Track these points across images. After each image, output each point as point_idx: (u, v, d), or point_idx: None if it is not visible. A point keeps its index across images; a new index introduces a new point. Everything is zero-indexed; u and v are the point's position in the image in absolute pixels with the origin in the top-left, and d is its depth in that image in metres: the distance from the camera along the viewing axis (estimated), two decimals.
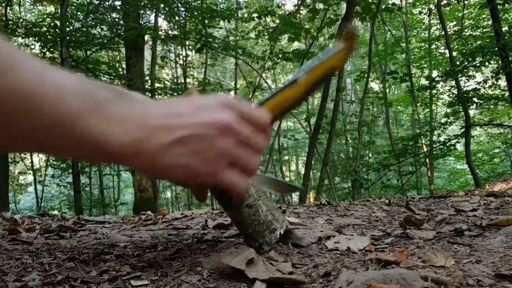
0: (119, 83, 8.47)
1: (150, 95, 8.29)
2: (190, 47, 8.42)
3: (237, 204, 0.73)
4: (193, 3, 6.72)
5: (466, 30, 8.87)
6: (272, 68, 9.71)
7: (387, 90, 12.25)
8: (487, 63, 6.78)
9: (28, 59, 0.39)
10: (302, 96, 0.63)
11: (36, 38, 6.23)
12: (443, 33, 8.12)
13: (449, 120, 8.38)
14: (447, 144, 7.83)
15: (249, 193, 0.74)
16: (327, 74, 0.66)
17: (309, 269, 0.70)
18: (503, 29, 6.32)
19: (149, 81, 8.29)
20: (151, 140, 0.46)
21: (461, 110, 7.63)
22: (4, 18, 6.22)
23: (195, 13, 6.66)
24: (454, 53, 8.14)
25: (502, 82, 7.34)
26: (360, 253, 0.82)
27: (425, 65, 11.76)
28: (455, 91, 7.79)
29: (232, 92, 11.21)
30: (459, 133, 7.53)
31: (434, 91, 9.29)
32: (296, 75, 0.63)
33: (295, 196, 13.46)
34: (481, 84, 7.36)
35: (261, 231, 0.75)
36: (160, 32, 7.31)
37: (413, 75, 10.91)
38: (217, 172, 0.50)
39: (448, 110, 8.59)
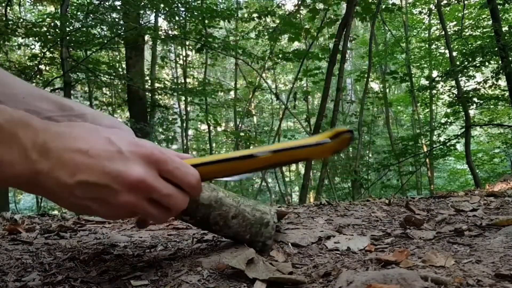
0: (119, 83, 8.48)
1: (150, 95, 8.29)
2: (190, 47, 8.42)
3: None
4: (193, 3, 6.72)
5: (466, 30, 8.87)
6: (272, 68, 9.70)
7: (387, 90, 12.25)
8: (487, 63, 6.78)
9: None
10: (252, 169, 0.58)
11: (36, 38, 6.22)
12: (443, 33, 8.11)
13: (449, 120, 8.37)
14: (447, 144, 7.83)
15: (228, 205, 0.73)
16: (295, 160, 0.61)
17: (309, 269, 0.70)
18: (503, 29, 6.32)
19: (149, 81, 8.29)
20: (52, 175, 0.42)
21: (461, 110, 7.63)
22: (4, 18, 6.21)
23: (195, 13, 6.66)
24: (454, 53, 8.14)
25: (502, 82, 7.34)
26: (360, 253, 0.82)
27: (425, 65, 11.76)
28: (455, 91, 7.78)
29: (232, 92, 11.23)
30: (459, 133, 7.53)
31: (434, 91, 9.29)
32: (258, 151, 0.57)
33: (295, 196, 13.46)
34: (481, 84, 7.36)
35: (257, 230, 0.75)
36: (160, 32, 7.31)
37: (413, 75, 10.90)
38: (120, 217, 0.48)
39: (448, 110, 8.59)
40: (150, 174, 0.47)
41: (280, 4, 8.88)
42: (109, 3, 6.86)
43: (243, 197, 0.75)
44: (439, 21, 8.82)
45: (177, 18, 6.94)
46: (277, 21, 7.20)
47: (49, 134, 0.43)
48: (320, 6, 6.36)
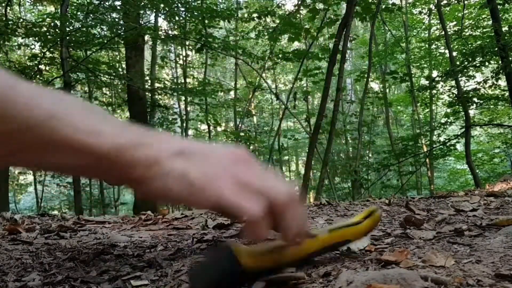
0: (119, 83, 8.47)
1: (150, 95, 8.29)
2: (190, 47, 8.42)
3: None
4: (193, 3, 6.72)
5: (466, 30, 8.87)
6: (272, 68, 9.70)
7: (387, 90, 12.25)
8: (487, 63, 6.78)
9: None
10: (310, 253, 0.64)
11: (36, 38, 6.22)
12: (443, 33, 8.11)
13: (449, 120, 8.37)
14: (447, 144, 7.83)
15: None
16: (344, 241, 0.68)
17: (309, 269, 0.70)
18: (503, 29, 6.32)
19: (149, 81, 8.28)
20: (147, 146, 0.43)
21: (461, 110, 7.63)
22: (4, 18, 6.21)
23: (195, 13, 6.66)
24: (454, 53, 8.14)
25: (502, 82, 7.34)
26: (360, 253, 0.82)
27: (425, 65, 11.76)
28: (455, 91, 7.78)
29: (232, 92, 11.23)
30: (459, 133, 7.53)
31: (434, 91, 9.29)
32: (318, 231, 0.64)
33: None
34: (481, 84, 7.36)
35: None
36: (160, 32, 7.31)
37: (413, 75, 10.90)
38: (218, 189, 0.44)
39: (448, 110, 8.59)
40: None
41: (280, 4, 8.88)
42: (109, 3, 6.86)
43: None
44: (439, 21, 8.82)
45: (177, 18, 6.94)
46: (277, 21, 7.20)
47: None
48: (320, 6, 6.36)
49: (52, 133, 0.38)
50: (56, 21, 6.08)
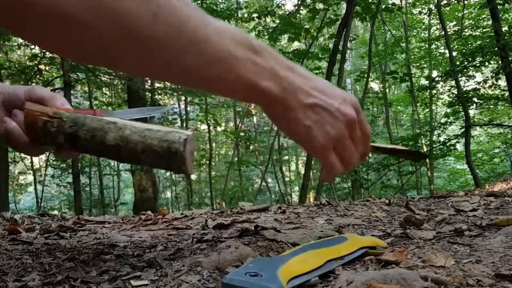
0: (119, 83, 8.48)
1: (150, 95, 8.29)
2: None
3: None
4: (193, 3, 6.72)
5: (466, 30, 8.87)
6: None
7: (387, 90, 12.25)
8: (487, 63, 6.78)
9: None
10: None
11: None
12: (443, 33, 8.12)
13: (449, 120, 8.37)
14: (447, 144, 7.83)
15: (134, 142, 0.66)
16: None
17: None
18: (503, 29, 6.32)
19: (149, 81, 8.28)
20: (295, 95, 0.55)
21: (461, 110, 7.63)
22: None
23: None
24: (454, 53, 8.14)
25: (502, 82, 7.34)
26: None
27: (425, 65, 11.76)
28: (455, 91, 7.78)
29: None
30: (459, 133, 7.53)
31: (434, 91, 9.29)
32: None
33: (295, 196, 13.46)
34: (481, 84, 7.36)
35: (168, 160, 0.66)
36: None
37: (413, 75, 10.90)
38: (328, 147, 0.58)
39: (448, 110, 8.59)
40: (357, 118, 0.61)
41: (280, 4, 8.88)
42: None
43: (151, 129, 0.71)
44: (439, 21, 8.82)
45: None
46: (277, 21, 7.21)
47: (286, 68, 0.56)
48: (320, 6, 6.36)
49: (228, 70, 0.49)
50: None
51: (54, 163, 9.96)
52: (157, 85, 8.12)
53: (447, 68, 8.47)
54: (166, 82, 8.54)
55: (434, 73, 11.10)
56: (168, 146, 0.66)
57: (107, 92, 9.61)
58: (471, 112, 8.63)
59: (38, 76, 7.20)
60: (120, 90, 9.02)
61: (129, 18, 0.41)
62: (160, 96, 8.87)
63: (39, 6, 0.37)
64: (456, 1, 8.42)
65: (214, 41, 0.49)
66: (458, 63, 7.22)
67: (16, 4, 0.37)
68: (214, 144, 12.53)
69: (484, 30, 8.59)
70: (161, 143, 0.66)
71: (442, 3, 8.21)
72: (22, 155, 10.18)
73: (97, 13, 0.39)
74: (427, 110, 12.08)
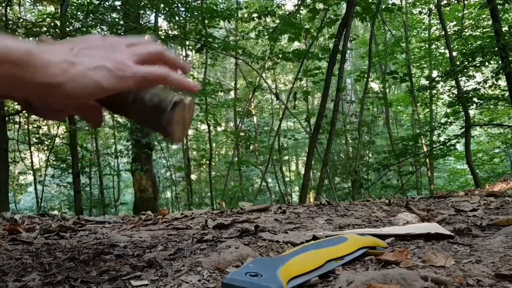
0: None
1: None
2: (190, 47, 8.42)
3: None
4: (193, 3, 6.72)
5: (466, 30, 8.87)
6: (272, 68, 9.71)
7: (387, 90, 12.25)
8: (487, 63, 6.78)
9: None
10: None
11: (36, 38, 6.21)
12: (443, 33, 8.11)
13: (449, 120, 8.37)
14: (447, 144, 7.83)
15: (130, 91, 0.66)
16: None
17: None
18: (503, 29, 6.32)
19: None
20: (52, 49, 0.48)
21: (461, 110, 7.63)
22: (4, 18, 6.21)
23: (195, 13, 6.65)
24: (454, 53, 8.13)
25: (502, 82, 7.34)
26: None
27: (425, 65, 11.75)
28: (455, 91, 7.78)
29: (232, 92, 11.23)
30: (459, 133, 7.53)
31: (434, 91, 9.28)
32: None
33: (295, 196, 13.46)
34: (481, 84, 7.36)
35: (155, 116, 0.66)
36: (160, 32, 7.31)
37: (413, 75, 10.90)
38: (132, 65, 0.52)
39: (448, 110, 8.59)
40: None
41: (280, 4, 8.88)
42: (109, 3, 6.86)
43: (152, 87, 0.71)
44: (439, 21, 8.82)
45: (177, 18, 6.94)
46: (277, 21, 7.21)
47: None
48: (320, 6, 6.36)
49: None
50: (56, 21, 6.08)
51: (54, 163, 9.96)
52: None
53: (447, 68, 8.46)
54: None
55: (434, 73, 11.10)
56: (158, 102, 0.66)
57: None
58: (471, 112, 8.63)
59: None
60: None
61: None
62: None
63: None
64: (456, 1, 8.42)
65: None
66: (458, 63, 7.22)
67: None
68: (214, 144, 12.53)
69: (484, 30, 8.59)
70: (152, 98, 0.66)
71: (442, 3, 8.21)
72: (22, 155, 10.18)
73: None
74: (427, 110, 12.07)
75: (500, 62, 6.26)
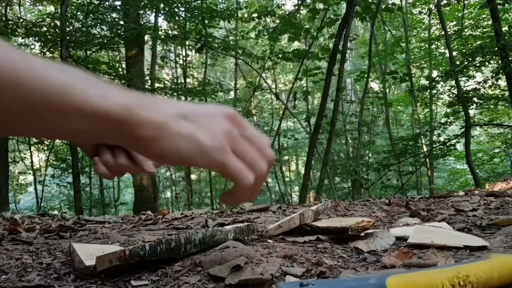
0: (119, 83, 8.47)
1: (150, 95, 8.29)
2: (190, 47, 8.41)
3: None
4: (193, 3, 6.71)
5: (466, 30, 8.86)
6: (272, 68, 9.70)
7: (387, 90, 12.24)
8: (487, 63, 6.77)
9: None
10: None
11: (36, 38, 6.22)
12: (443, 33, 8.11)
13: (449, 120, 8.37)
14: (447, 144, 7.82)
15: None
16: None
17: (308, 268, 0.70)
18: (503, 29, 6.31)
19: (149, 81, 8.28)
20: (152, 107, 0.45)
21: (461, 110, 7.63)
22: (4, 18, 6.21)
23: (195, 13, 6.65)
24: (454, 53, 8.13)
25: (502, 82, 7.34)
26: (368, 254, 0.82)
27: (425, 65, 11.75)
28: (455, 91, 7.78)
29: (232, 92, 11.22)
30: (459, 133, 7.52)
31: (434, 91, 9.28)
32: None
33: (295, 196, 13.45)
34: (481, 84, 7.36)
35: None
36: (160, 32, 7.30)
37: (413, 75, 10.89)
38: (223, 146, 0.47)
39: (448, 110, 8.58)
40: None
41: (280, 4, 8.87)
42: (109, 3, 6.86)
43: None
44: (439, 21, 8.82)
45: (177, 18, 6.93)
46: (277, 21, 7.20)
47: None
48: (320, 6, 6.36)
49: (67, 101, 0.41)
50: (56, 21, 6.08)
51: (54, 163, 9.96)
52: (157, 85, 8.12)
53: (447, 68, 8.46)
54: (165, 82, 8.54)
55: (434, 73, 11.09)
56: None
57: None
58: (471, 112, 8.62)
59: None
60: None
61: None
62: (160, 96, 8.85)
63: None
64: (456, 1, 8.42)
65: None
66: (458, 63, 7.21)
67: None
68: None
69: (484, 30, 8.59)
70: None
71: (442, 3, 8.21)
72: (22, 155, 10.18)
73: None
74: (427, 110, 12.07)
75: (500, 62, 6.25)
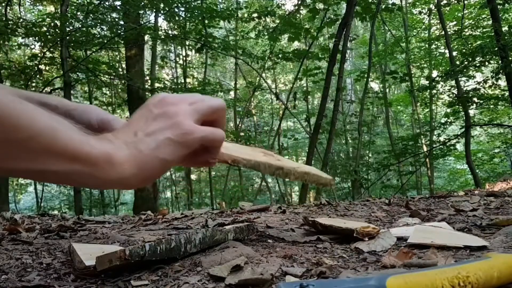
0: (119, 83, 8.47)
1: (150, 95, 8.29)
2: (190, 47, 8.41)
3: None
4: (193, 3, 6.71)
5: (466, 30, 8.86)
6: (272, 68, 9.70)
7: (387, 90, 12.24)
8: (487, 63, 6.77)
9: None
10: None
11: (36, 38, 6.21)
12: (443, 33, 8.11)
13: (449, 120, 8.37)
14: (447, 144, 7.82)
15: None
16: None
17: (308, 268, 0.70)
18: (503, 29, 6.31)
19: (149, 81, 8.29)
20: (139, 139, 0.48)
21: (461, 110, 7.63)
22: (4, 18, 6.21)
23: (195, 13, 6.65)
24: (454, 53, 8.13)
25: (502, 82, 7.34)
26: (368, 254, 0.82)
27: (425, 65, 11.75)
28: (455, 91, 7.78)
29: (232, 92, 11.22)
30: (459, 133, 7.52)
31: (434, 91, 9.28)
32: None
33: (295, 196, 13.45)
34: (481, 84, 7.35)
35: None
36: (160, 32, 7.30)
37: (413, 75, 10.89)
38: (193, 127, 0.51)
39: (448, 110, 8.58)
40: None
41: (280, 4, 8.87)
42: (109, 3, 6.85)
43: None
44: (439, 21, 8.82)
45: (177, 18, 6.93)
46: (277, 21, 7.20)
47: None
48: (320, 6, 6.36)
49: (52, 142, 0.43)
50: (56, 21, 6.07)
51: None
52: (157, 85, 8.12)
53: (447, 68, 8.46)
54: (165, 82, 8.54)
55: (434, 73, 11.09)
56: None
57: (107, 92, 9.62)
58: (471, 112, 8.62)
59: (38, 76, 7.19)
60: (120, 90, 9.03)
61: None
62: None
63: None
64: (456, 1, 8.42)
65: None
66: (458, 63, 7.21)
67: None
68: None
69: (484, 30, 8.59)
70: None
71: (442, 3, 8.21)
72: None
73: None
74: (427, 110, 12.07)
75: (500, 62, 6.25)
